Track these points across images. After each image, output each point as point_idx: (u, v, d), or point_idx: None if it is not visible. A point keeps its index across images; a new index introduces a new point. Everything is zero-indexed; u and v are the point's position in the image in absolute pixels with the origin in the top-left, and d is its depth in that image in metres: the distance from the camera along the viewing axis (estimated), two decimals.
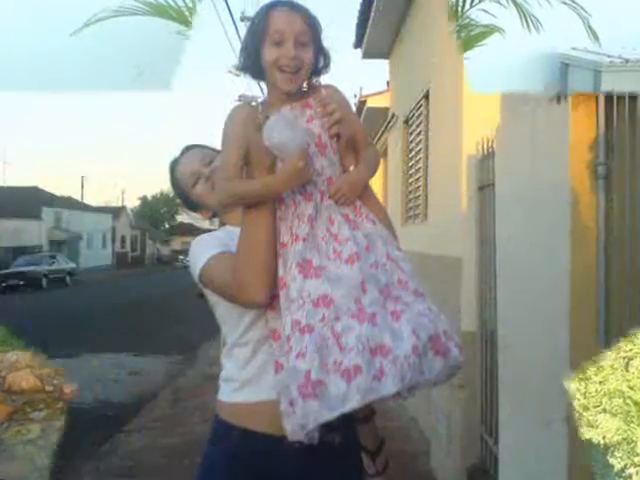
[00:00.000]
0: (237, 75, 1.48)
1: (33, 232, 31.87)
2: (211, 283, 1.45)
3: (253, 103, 1.37)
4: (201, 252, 1.47)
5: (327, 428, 1.22)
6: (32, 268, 25.26)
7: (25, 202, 30.92)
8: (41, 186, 35.78)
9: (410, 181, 5.87)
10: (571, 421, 2.15)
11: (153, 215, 54.76)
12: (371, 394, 1.18)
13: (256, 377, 1.43)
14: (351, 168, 1.45)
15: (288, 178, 1.30)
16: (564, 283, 2.20)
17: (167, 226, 56.66)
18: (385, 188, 7.76)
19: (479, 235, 3.65)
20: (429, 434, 4.49)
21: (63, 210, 34.67)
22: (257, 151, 1.31)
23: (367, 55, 7.63)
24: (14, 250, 28.81)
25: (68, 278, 27.64)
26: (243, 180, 1.33)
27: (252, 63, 1.40)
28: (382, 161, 7.40)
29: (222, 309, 1.49)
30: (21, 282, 24.11)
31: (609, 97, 2.12)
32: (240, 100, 1.42)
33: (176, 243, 52.39)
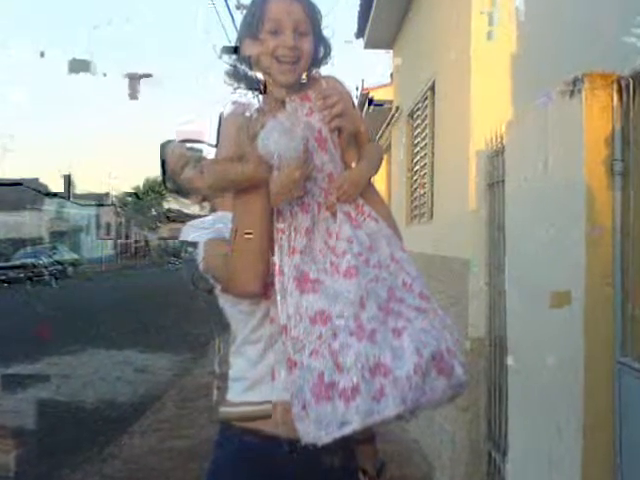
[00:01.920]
0: (231, 85, 1.45)
1: (33, 224, 32.69)
2: (205, 272, 1.44)
3: (247, 114, 1.36)
4: (192, 239, 1.46)
5: (326, 450, 1.21)
6: (33, 260, 25.97)
7: (26, 194, 31.55)
8: (42, 178, 36.53)
9: (415, 178, 5.86)
10: (586, 430, 2.15)
11: (138, 202, 54.66)
12: (371, 416, 1.18)
13: (268, 376, 1.41)
14: (353, 164, 1.44)
15: (283, 188, 1.30)
16: (578, 285, 2.20)
17: (154, 212, 56.50)
18: (389, 186, 7.75)
19: (488, 235, 3.65)
20: (432, 458, 4.47)
21: (65, 202, 35.17)
22: (252, 161, 1.29)
23: (369, 45, 7.63)
24: (14, 242, 29.69)
25: (70, 269, 28.32)
26: (233, 163, 1.30)
27: (245, 74, 1.39)
28: (385, 157, 7.40)
29: (229, 304, 1.48)
30: (21, 274, 24.65)
31: (626, 88, 2.12)
32: (233, 105, 1.40)
33: (164, 230, 52.20)
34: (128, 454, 4.89)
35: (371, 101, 8.28)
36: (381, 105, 8.06)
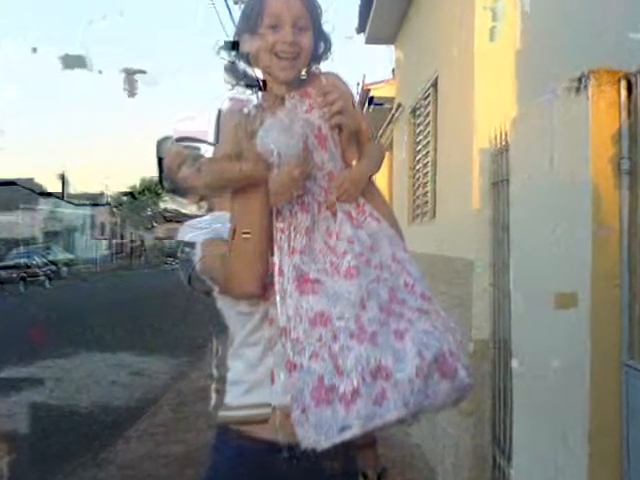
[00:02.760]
0: (230, 82, 1.45)
1: (27, 224, 33.10)
2: (203, 273, 1.44)
3: (245, 110, 1.35)
4: (189, 239, 1.46)
5: (325, 455, 1.21)
6: (26, 260, 26.24)
7: (19, 193, 31.79)
8: (37, 178, 36.92)
9: (417, 177, 5.87)
10: (592, 435, 2.15)
11: (134, 201, 54.92)
12: (372, 420, 1.18)
13: (267, 379, 1.40)
14: (354, 163, 1.45)
15: (282, 187, 1.30)
16: (584, 286, 2.19)
17: (150, 212, 56.70)
18: (390, 185, 7.75)
19: (492, 235, 3.65)
20: (435, 463, 4.47)
21: (60, 202, 35.40)
22: (251, 159, 1.28)
23: (371, 41, 7.63)
24: (7, 242, 30.08)
25: (64, 270, 28.63)
26: (231, 161, 1.29)
27: (244, 70, 1.39)
28: (387, 155, 7.40)
29: (227, 305, 1.48)
30: (14, 275, 24.85)
31: (634, 85, 2.12)
32: (231, 101, 1.40)
33: (160, 230, 52.37)
34: (123, 459, 4.89)
35: (371, 100, 8.28)
36: (381, 105, 8.06)
